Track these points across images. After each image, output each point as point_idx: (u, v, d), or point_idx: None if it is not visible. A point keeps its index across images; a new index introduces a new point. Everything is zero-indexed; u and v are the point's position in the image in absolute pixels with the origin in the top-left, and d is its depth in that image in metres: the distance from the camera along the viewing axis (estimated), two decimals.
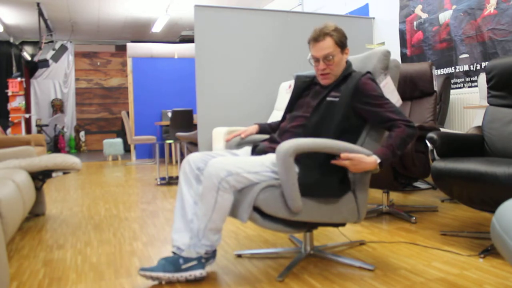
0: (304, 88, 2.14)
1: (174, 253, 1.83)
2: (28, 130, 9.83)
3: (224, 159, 1.76)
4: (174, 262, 1.79)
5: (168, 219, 3.06)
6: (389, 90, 2.04)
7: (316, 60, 1.96)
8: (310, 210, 1.80)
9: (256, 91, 4.87)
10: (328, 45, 1.93)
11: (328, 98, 1.95)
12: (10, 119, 9.14)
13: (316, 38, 1.94)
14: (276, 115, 4.59)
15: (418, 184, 3.98)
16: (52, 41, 8.79)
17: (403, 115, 1.91)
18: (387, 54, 2.08)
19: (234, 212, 1.81)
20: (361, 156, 1.77)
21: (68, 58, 10.64)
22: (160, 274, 1.77)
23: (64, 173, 3.09)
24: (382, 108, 1.89)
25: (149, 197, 4.01)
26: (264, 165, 1.79)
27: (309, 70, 4.58)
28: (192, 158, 1.92)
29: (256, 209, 1.75)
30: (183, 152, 6.15)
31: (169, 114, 6.81)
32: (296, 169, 1.76)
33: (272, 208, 1.75)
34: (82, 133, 10.89)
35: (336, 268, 1.95)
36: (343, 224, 1.98)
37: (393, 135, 1.85)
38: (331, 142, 1.79)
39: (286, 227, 1.84)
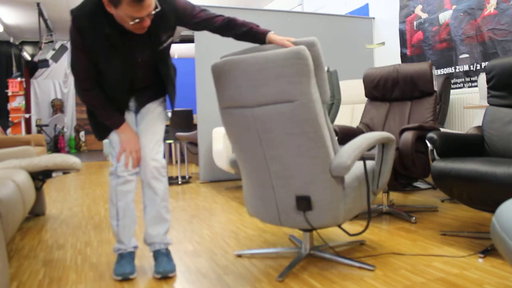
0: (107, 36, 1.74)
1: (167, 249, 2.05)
2: (28, 130, 9.83)
3: (145, 157, 1.94)
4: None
5: None
6: None
7: (140, 19, 1.64)
8: None
9: None
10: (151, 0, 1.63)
11: (164, 45, 1.86)
12: (10, 119, 9.15)
13: None
14: None
15: (418, 184, 3.99)
16: (52, 41, 8.80)
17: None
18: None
19: None
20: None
21: (68, 58, 10.64)
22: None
23: (64, 173, 3.09)
24: (206, 17, 1.88)
25: None
26: (160, 123, 2.01)
27: None
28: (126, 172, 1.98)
29: None
30: (183, 152, 6.15)
31: (169, 114, 6.81)
32: None
33: None
34: (82, 133, 10.89)
35: (336, 268, 1.95)
36: None
37: (240, 22, 1.87)
38: None
39: None
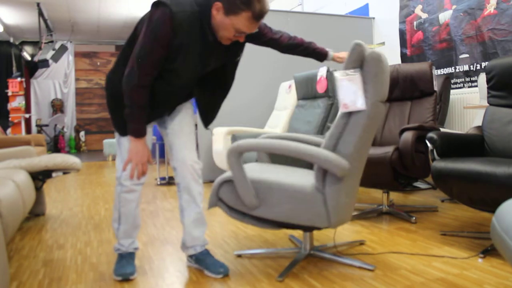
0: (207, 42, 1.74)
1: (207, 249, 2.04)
2: (28, 130, 9.83)
3: (184, 159, 1.93)
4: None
5: (168, 219, 3.06)
6: (349, 89, 1.75)
7: (242, 33, 1.68)
8: (270, 207, 1.84)
9: (256, 91, 4.87)
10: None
11: (238, 59, 1.92)
12: (10, 119, 9.14)
13: (262, 16, 1.67)
14: (276, 115, 4.60)
15: (418, 184, 3.98)
16: (52, 41, 8.80)
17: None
18: (355, 46, 1.77)
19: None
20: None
21: (68, 58, 10.64)
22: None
23: (64, 173, 3.09)
24: (272, 36, 1.99)
25: (149, 197, 4.01)
26: (192, 124, 2.01)
27: (309, 70, 4.57)
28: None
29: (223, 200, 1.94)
30: None
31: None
32: None
33: (232, 202, 1.92)
34: (82, 133, 10.89)
35: (336, 268, 1.95)
36: (313, 228, 1.89)
37: (299, 41, 2.04)
38: (274, 142, 1.80)
39: (255, 222, 1.93)
